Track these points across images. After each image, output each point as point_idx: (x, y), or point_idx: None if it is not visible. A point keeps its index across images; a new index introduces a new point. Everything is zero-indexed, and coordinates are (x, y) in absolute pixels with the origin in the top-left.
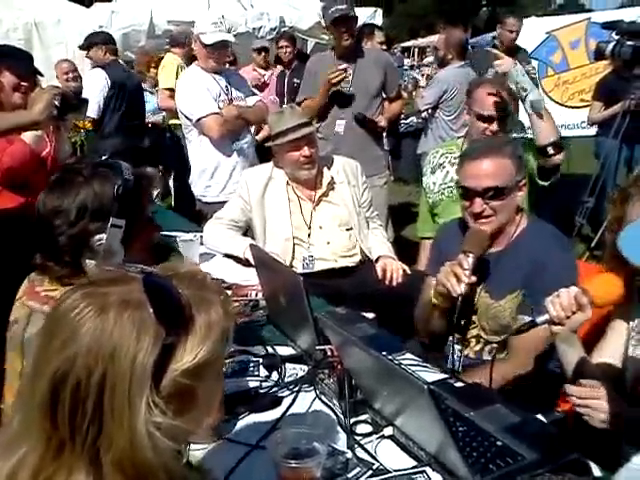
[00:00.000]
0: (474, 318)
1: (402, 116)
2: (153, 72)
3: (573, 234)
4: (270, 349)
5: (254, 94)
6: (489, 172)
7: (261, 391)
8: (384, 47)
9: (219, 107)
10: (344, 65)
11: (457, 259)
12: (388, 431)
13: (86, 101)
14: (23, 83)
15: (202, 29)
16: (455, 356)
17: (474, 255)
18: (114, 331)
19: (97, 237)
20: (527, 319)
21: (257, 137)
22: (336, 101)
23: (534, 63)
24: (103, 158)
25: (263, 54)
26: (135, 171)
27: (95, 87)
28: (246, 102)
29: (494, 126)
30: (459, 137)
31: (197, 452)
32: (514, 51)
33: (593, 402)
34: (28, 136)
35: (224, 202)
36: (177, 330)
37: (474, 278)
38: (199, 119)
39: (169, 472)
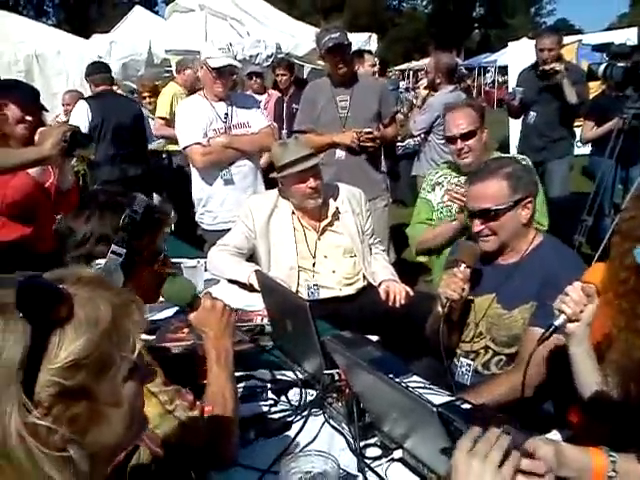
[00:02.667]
0: (483, 329)
1: (399, 138)
2: (148, 100)
3: None
4: (277, 374)
5: (265, 119)
6: (484, 195)
7: (270, 416)
8: (375, 69)
9: (206, 135)
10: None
11: (451, 270)
12: (398, 454)
13: (92, 138)
14: (27, 117)
15: (209, 54)
16: (463, 369)
17: (465, 264)
18: None
19: (97, 261)
20: (540, 330)
21: (261, 162)
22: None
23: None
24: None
25: (254, 79)
26: (149, 205)
27: (77, 119)
28: (249, 129)
29: (459, 144)
30: (450, 161)
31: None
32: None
33: None
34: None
35: (221, 230)
36: (47, 325)
37: (465, 284)
38: (184, 148)
39: None
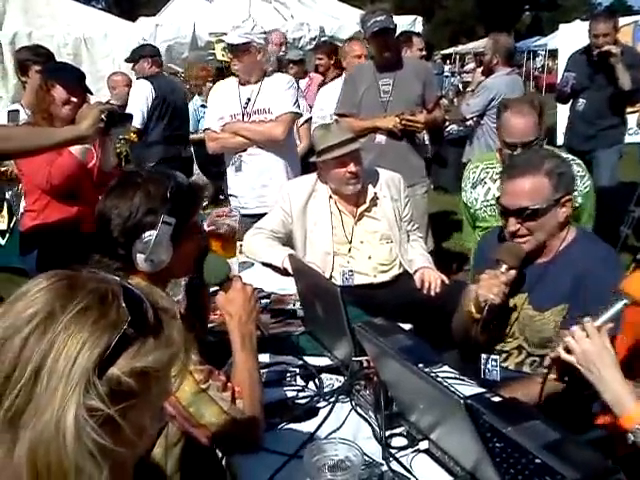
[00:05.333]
0: (516, 329)
1: (446, 123)
2: (194, 83)
3: (618, 244)
4: (307, 359)
5: (291, 105)
6: (523, 192)
7: (298, 401)
8: (424, 53)
9: (223, 119)
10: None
11: (492, 270)
12: (424, 445)
13: (130, 116)
14: (73, 98)
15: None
16: (489, 366)
17: (507, 265)
18: (77, 305)
19: (148, 232)
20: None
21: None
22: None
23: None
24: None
25: (291, 65)
26: (188, 180)
27: (140, 97)
28: (269, 115)
29: (519, 152)
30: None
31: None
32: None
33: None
34: (75, 148)
35: (245, 215)
36: (141, 326)
37: (507, 288)
38: (203, 132)
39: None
